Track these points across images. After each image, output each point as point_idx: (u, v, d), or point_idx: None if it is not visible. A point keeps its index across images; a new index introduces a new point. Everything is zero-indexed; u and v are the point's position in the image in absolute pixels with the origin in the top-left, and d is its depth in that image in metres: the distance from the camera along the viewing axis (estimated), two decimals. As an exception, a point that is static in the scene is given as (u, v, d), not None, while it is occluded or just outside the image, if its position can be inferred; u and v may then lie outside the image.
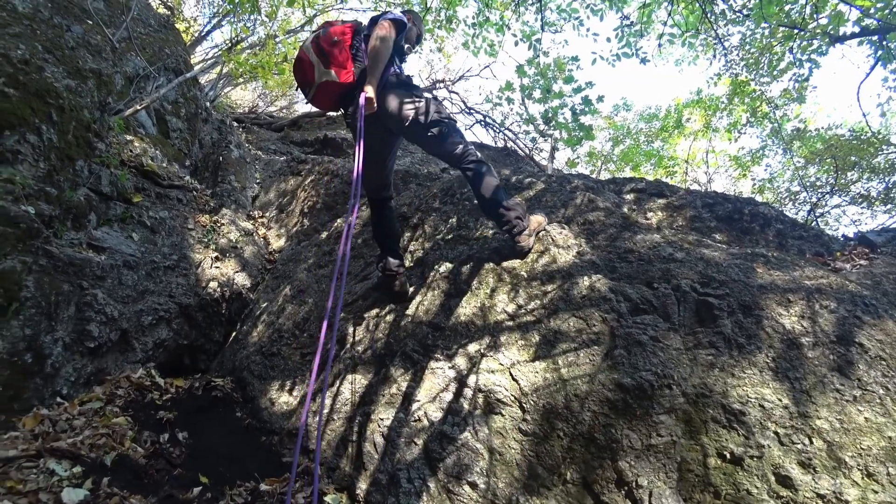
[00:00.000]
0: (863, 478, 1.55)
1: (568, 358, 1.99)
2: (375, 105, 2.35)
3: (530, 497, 1.81)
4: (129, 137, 4.63)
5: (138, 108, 4.80)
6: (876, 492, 1.52)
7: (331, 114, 10.44)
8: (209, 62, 9.77)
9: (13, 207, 2.74)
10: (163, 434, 2.59)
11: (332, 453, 2.36)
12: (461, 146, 2.53)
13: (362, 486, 2.17)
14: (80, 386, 2.93)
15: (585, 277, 2.25)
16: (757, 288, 2.04)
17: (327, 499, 2.18)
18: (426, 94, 2.54)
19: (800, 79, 7.84)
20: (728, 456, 1.64)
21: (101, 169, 3.73)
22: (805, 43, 7.15)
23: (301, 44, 2.58)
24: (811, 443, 1.61)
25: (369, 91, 2.32)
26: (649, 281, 2.18)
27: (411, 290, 2.81)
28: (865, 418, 1.63)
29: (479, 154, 2.55)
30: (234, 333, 4.04)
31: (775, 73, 8.48)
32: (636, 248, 2.42)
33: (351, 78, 2.44)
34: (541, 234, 2.65)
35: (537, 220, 2.63)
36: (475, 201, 3.01)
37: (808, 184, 10.07)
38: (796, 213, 10.27)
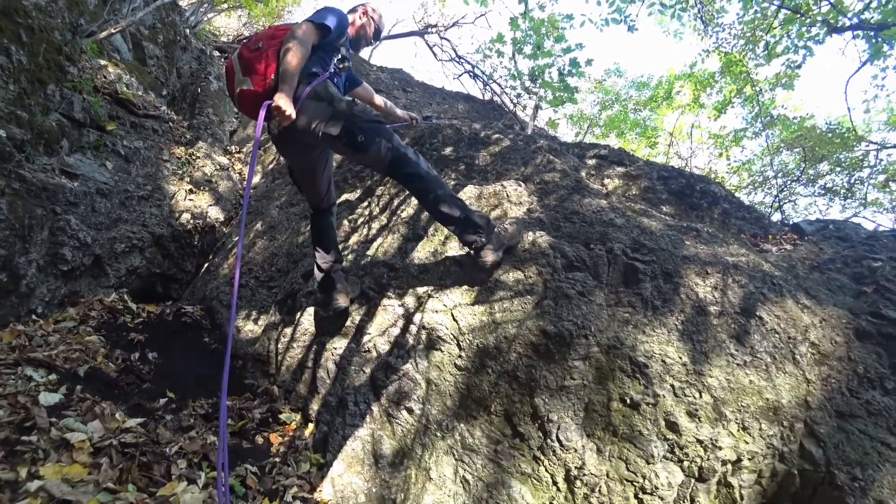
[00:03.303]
0: (738, 430, 1.80)
1: (503, 304, 2.21)
2: (291, 115, 2.05)
3: (459, 424, 2.07)
4: (102, 62, 4.54)
5: (112, 31, 4.67)
6: (747, 442, 1.78)
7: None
8: (191, -15, 9.29)
9: (-16, 128, 2.77)
10: (133, 353, 2.79)
11: (290, 377, 2.60)
12: (390, 153, 2.20)
13: (314, 407, 2.42)
14: (54, 306, 3.08)
15: (530, 233, 2.44)
16: (681, 258, 2.25)
17: (282, 416, 2.43)
18: (339, 100, 2.21)
19: (792, 65, 7.81)
20: (628, 401, 1.88)
21: (74, 95, 3.70)
22: (803, 29, 7.11)
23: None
24: (700, 396, 1.85)
25: (277, 100, 2.02)
26: (587, 241, 2.38)
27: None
28: (750, 381, 1.87)
29: (414, 160, 2.25)
30: (205, 265, 4.19)
31: (771, 53, 8.45)
32: (582, 210, 2.60)
33: (268, 85, 2.13)
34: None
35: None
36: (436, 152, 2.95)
37: (779, 169, 10.34)
38: (764, 197, 10.58)
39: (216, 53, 8.70)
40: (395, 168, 2.24)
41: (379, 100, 2.94)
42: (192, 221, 4.24)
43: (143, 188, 4.01)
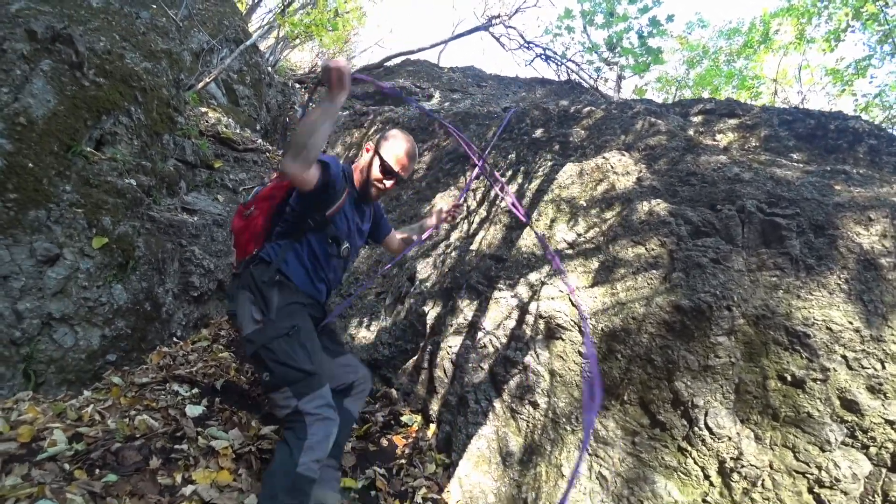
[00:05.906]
0: (940, 407, 1.45)
1: (626, 282, 2.01)
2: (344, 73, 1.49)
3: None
4: (203, 109, 5.00)
5: (208, 80, 5.13)
6: (953, 421, 1.46)
7: (388, 64, 10.36)
8: (265, 27, 10.02)
9: (119, 181, 3.13)
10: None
11: (407, 379, 2.61)
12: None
13: (434, 407, 2.39)
14: (190, 328, 3.39)
15: (645, 202, 2.22)
16: (832, 206, 1.91)
17: (403, 418, 2.44)
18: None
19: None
20: (789, 378, 1.61)
21: (184, 141, 4.09)
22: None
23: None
24: (883, 367, 1.53)
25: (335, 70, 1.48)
26: (712, 203, 2.11)
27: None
28: (951, 345, 1.51)
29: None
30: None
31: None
32: (699, 170, 2.32)
33: (243, 261, 1.90)
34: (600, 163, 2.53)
35: None
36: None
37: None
38: (909, 131, 8.97)
39: (297, 85, 9.30)
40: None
41: (401, 236, 2.40)
42: (295, 241, 4.50)
43: (250, 216, 4.32)
